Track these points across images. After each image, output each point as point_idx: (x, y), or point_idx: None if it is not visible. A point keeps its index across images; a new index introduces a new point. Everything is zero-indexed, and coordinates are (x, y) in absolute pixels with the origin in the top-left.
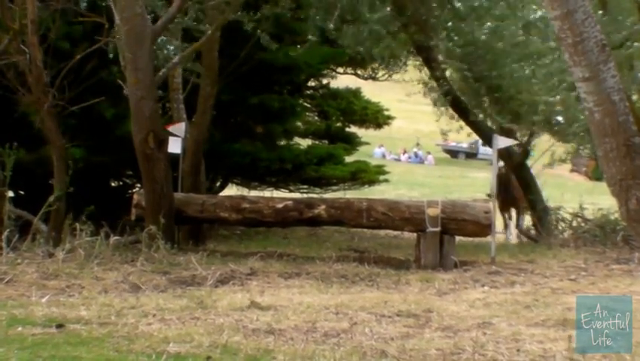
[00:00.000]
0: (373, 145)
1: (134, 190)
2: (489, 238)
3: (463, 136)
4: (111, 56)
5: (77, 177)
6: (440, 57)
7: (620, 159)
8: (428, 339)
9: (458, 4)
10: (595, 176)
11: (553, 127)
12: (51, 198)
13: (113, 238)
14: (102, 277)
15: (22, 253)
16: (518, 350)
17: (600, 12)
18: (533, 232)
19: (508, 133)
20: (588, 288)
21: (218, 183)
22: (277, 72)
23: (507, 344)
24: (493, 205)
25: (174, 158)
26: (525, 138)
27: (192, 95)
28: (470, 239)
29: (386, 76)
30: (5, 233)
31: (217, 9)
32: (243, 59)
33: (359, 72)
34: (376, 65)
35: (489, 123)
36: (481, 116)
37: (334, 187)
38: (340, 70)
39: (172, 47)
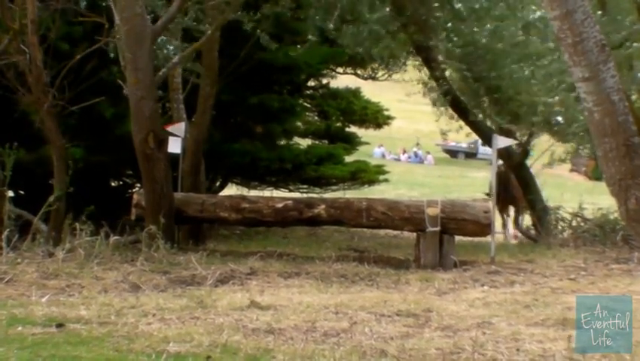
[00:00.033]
0: (372, 145)
1: (134, 190)
2: (488, 238)
3: (462, 136)
4: (112, 55)
5: (77, 177)
6: (440, 57)
7: (619, 158)
8: (428, 339)
9: (459, 5)
10: (595, 176)
11: (552, 127)
12: (51, 198)
13: (113, 238)
14: (101, 277)
15: (22, 252)
16: (518, 350)
17: (599, 12)
18: (533, 231)
19: (508, 133)
20: (588, 288)
21: (218, 183)
22: (277, 72)
23: (507, 344)
24: (493, 205)
25: (174, 158)
26: (525, 138)
27: (192, 95)
28: (470, 239)
29: (386, 76)
30: (5, 233)
31: (217, 9)
32: (243, 59)
33: (359, 72)
34: (376, 64)
35: (489, 123)
36: (480, 116)
37: (334, 187)
38: (340, 70)
39: (171, 47)
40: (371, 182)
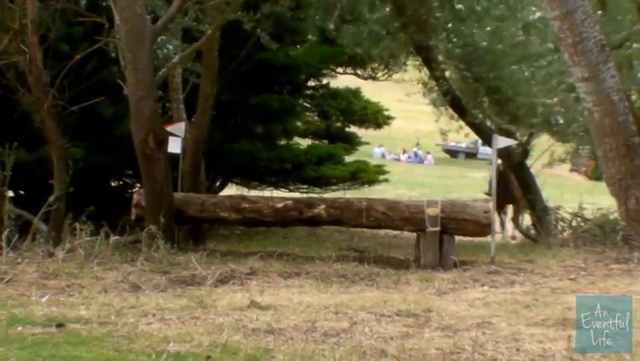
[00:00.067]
0: (372, 145)
1: (134, 190)
2: (488, 238)
3: (462, 136)
4: (113, 55)
5: (77, 177)
6: (440, 58)
7: (619, 158)
8: (428, 339)
9: (459, 6)
10: (595, 176)
11: (552, 128)
12: (51, 198)
13: (113, 238)
14: (101, 277)
15: (22, 252)
16: (517, 350)
17: (599, 12)
18: (533, 231)
19: (507, 133)
20: (588, 288)
21: (218, 183)
22: (277, 72)
23: (507, 344)
24: (493, 205)
25: (174, 158)
26: (525, 138)
27: (192, 95)
28: (470, 239)
29: (386, 76)
30: (5, 233)
31: (217, 9)
32: (243, 59)
33: (359, 72)
34: (376, 64)
35: (489, 124)
36: (480, 116)
37: (334, 187)
38: (340, 70)
39: (171, 47)
40: (371, 182)
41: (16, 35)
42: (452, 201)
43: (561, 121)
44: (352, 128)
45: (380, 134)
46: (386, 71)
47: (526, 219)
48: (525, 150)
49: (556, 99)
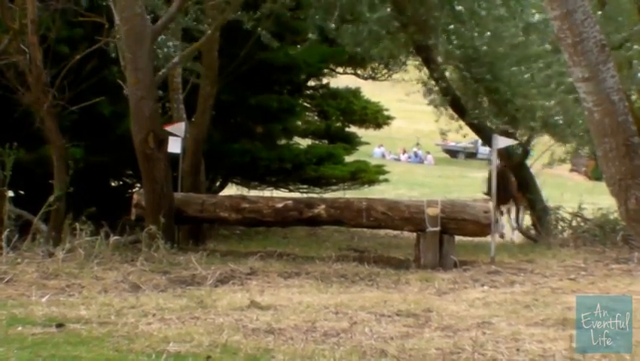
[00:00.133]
0: (372, 145)
1: (134, 190)
2: (488, 238)
3: (462, 136)
4: (113, 55)
5: (77, 177)
6: (440, 58)
7: (619, 158)
8: (428, 339)
9: (459, 8)
10: (595, 176)
11: (551, 129)
12: (51, 198)
13: (113, 238)
14: (101, 277)
15: (22, 252)
16: (518, 350)
17: (599, 12)
18: (533, 231)
19: (507, 134)
20: (588, 288)
21: (218, 183)
22: (277, 72)
23: (507, 344)
24: (493, 205)
25: (174, 158)
26: (525, 138)
27: (192, 95)
28: (470, 239)
29: (386, 76)
30: (5, 233)
31: (217, 9)
32: (243, 59)
33: (359, 72)
34: (376, 64)
35: (489, 124)
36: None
37: (334, 187)
38: (340, 69)
39: (171, 46)
40: (371, 182)
41: (16, 35)
42: (452, 201)
43: (560, 122)
44: (352, 128)
45: (380, 134)
46: (386, 70)
47: (526, 219)
48: (525, 150)
49: (554, 102)
